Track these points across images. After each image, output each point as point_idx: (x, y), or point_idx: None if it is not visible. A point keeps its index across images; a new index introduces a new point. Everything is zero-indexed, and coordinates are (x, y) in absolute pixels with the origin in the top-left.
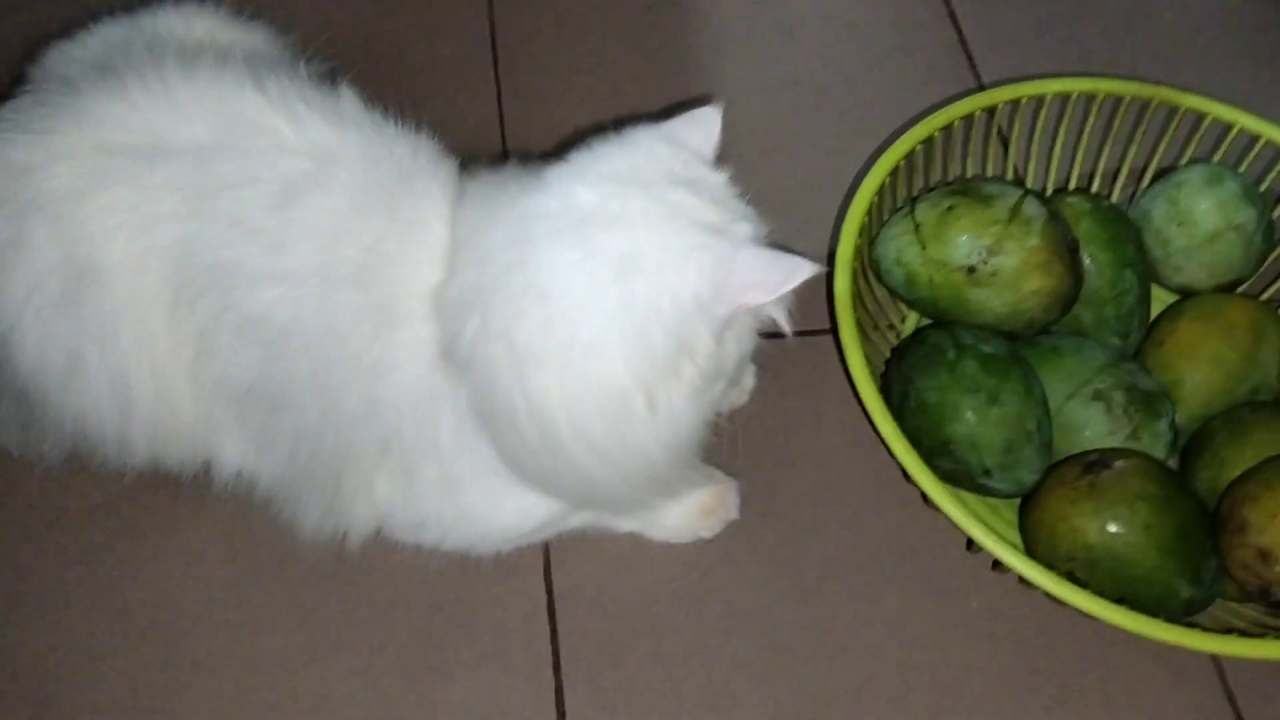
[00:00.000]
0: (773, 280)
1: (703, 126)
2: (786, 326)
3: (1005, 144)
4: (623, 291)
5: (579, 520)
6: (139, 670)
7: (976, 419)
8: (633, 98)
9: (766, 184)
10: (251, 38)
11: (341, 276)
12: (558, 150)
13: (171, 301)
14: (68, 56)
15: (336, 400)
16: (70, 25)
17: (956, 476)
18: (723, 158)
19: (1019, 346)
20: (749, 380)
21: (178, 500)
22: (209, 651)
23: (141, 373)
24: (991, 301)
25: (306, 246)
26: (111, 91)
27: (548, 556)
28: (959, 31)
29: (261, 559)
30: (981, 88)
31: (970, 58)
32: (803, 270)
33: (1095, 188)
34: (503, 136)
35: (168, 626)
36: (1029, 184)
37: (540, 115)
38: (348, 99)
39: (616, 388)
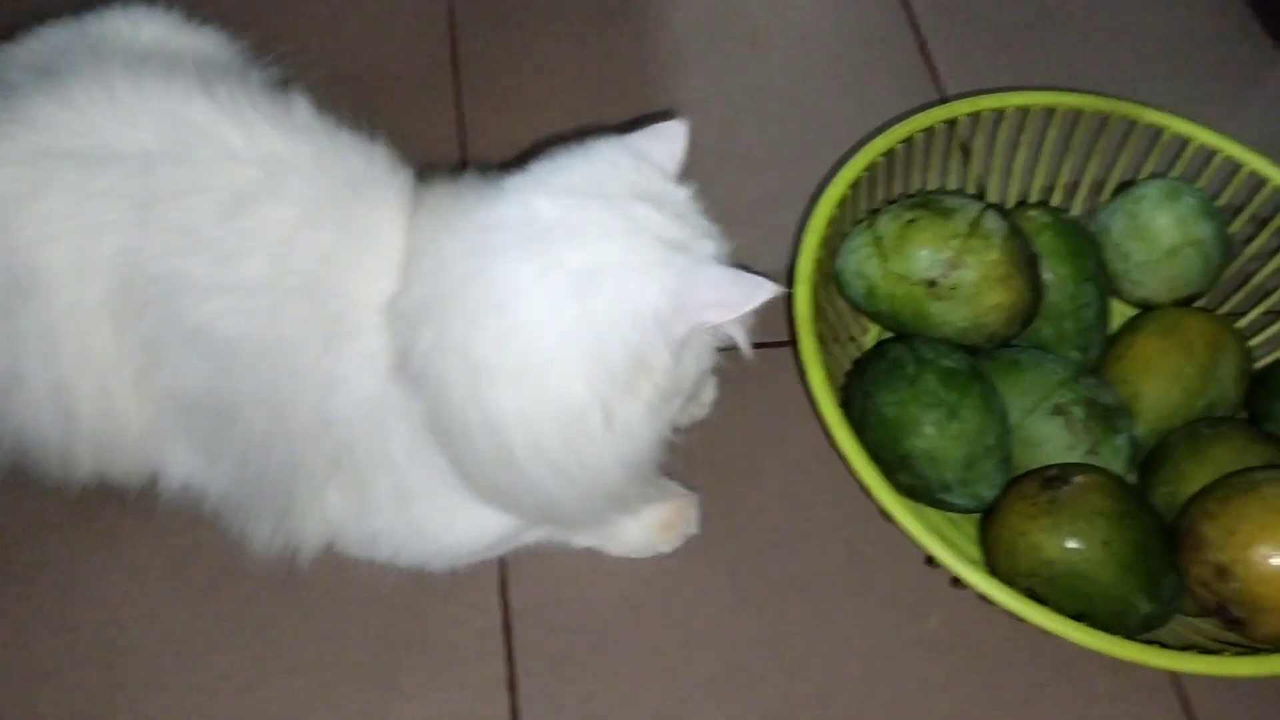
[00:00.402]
0: (733, 299)
1: (667, 140)
2: (745, 345)
3: (966, 156)
4: (581, 306)
5: (535, 536)
6: (82, 690)
7: (936, 433)
8: (595, 107)
9: (728, 195)
10: (202, 43)
11: (292, 287)
12: (518, 160)
13: (116, 312)
14: (8, 59)
15: (286, 413)
16: (13, 28)
17: (916, 491)
18: (685, 167)
19: (979, 361)
20: (709, 393)
21: (123, 515)
22: (154, 670)
23: (84, 385)
24: (952, 315)
25: (256, 257)
26: (54, 95)
27: (504, 573)
28: (922, 44)
29: (209, 575)
30: (943, 98)
31: (933, 70)
32: (763, 290)
33: (1055, 201)
34: (462, 145)
35: (112, 645)
36: (990, 197)
37: (501, 124)
38: (300, 106)
39: (574, 403)
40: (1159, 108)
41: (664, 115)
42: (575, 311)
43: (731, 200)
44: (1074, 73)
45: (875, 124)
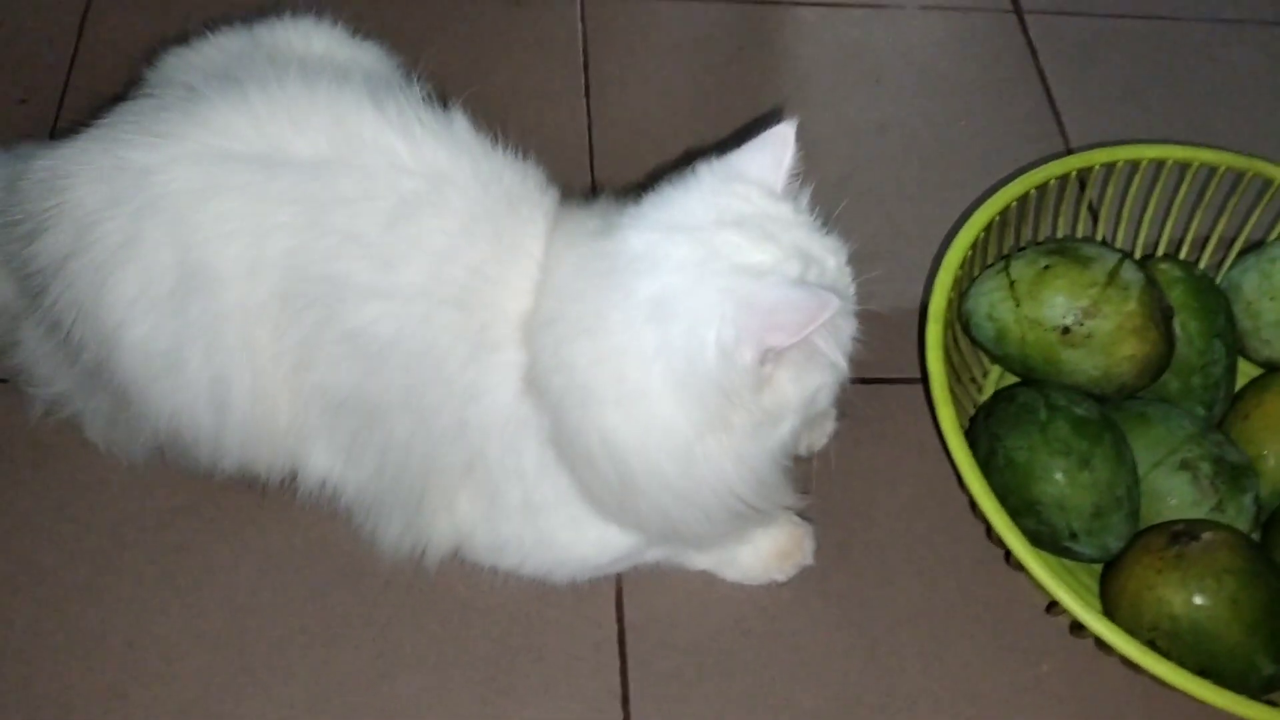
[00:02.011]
0: (793, 321)
1: (772, 150)
2: (840, 362)
3: (1094, 206)
4: (657, 336)
5: (654, 555)
6: (211, 673)
7: (1066, 481)
8: (720, 134)
9: (849, 231)
10: (365, 56)
11: (446, 296)
12: (643, 184)
13: (278, 310)
14: (187, 63)
15: (428, 418)
16: (186, 32)
17: (1040, 537)
18: (810, 203)
19: (1109, 410)
20: (829, 424)
21: (260, 506)
22: (282, 659)
23: (242, 377)
24: (1084, 363)
25: (415, 265)
26: (233, 100)
27: (620, 588)
28: (1047, 89)
29: (339, 570)
30: (1067, 145)
31: (1058, 115)
32: (826, 308)
33: (1184, 254)
34: (591, 166)
35: (243, 630)
36: (1118, 245)
37: (628, 148)
38: (459, 122)
39: (677, 432)
40: None
41: (773, 119)
42: (654, 341)
43: (853, 237)
44: (1197, 126)
45: (998, 165)
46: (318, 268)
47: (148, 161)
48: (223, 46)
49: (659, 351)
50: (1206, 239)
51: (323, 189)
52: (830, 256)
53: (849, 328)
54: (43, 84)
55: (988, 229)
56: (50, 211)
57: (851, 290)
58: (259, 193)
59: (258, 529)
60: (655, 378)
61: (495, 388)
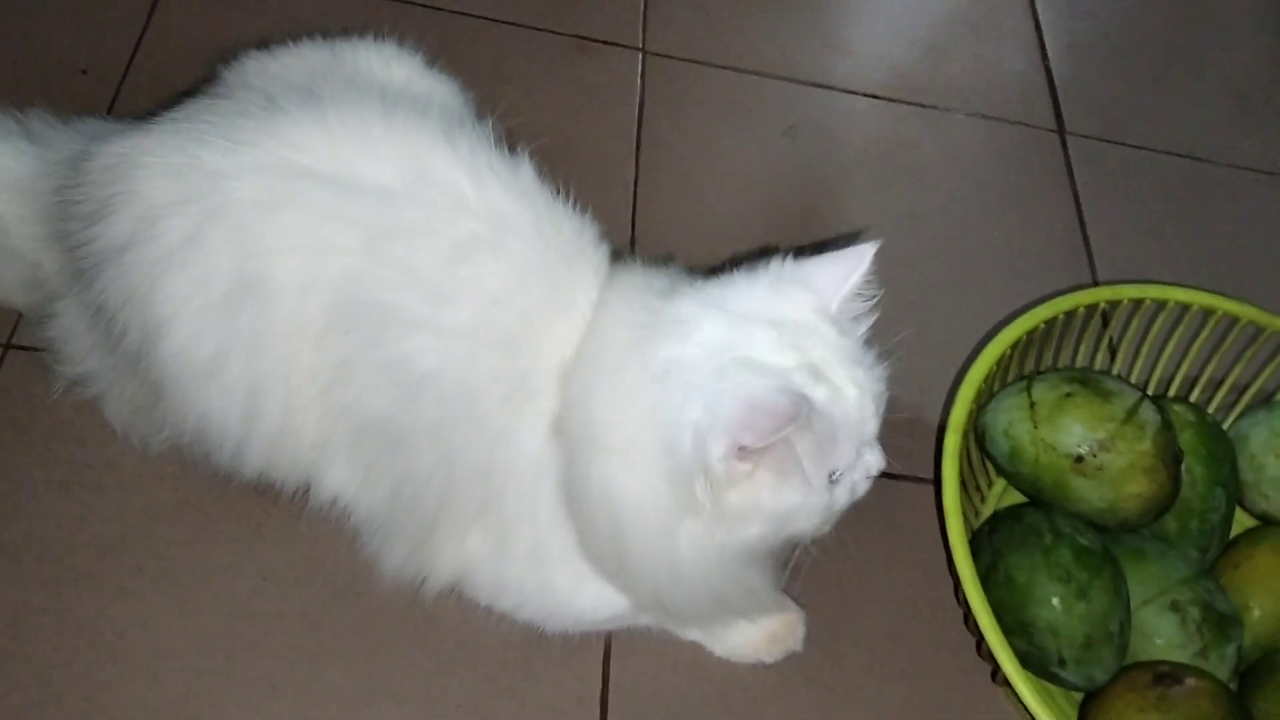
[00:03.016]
0: (764, 423)
1: (843, 266)
2: (814, 483)
3: (1115, 338)
4: (656, 399)
5: (647, 619)
6: (197, 674)
7: (1063, 608)
8: (760, 211)
9: (876, 320)
10: (442, 89)
11: (491, 339)
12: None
13: (323, 328)
14: (266, 70)
15: (454, 453)
16: (258, 32)
17: (1028, 659)
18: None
19: (1108, 542)
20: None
21: (267, 515)
22: (272, 671)
23: (277, 389)
24: (1092, 494)
25: (466, 305)
26: (312, 117)
27: (609, 646)
28: (1079, 210)
29: (337, 589)
30: (1093, 268)
31: (1086, 237)
32: (796, 417)
33: (1196, 395)
34: (633, 222)
35: (237, 637)
36: (1133, 379)
37: (672, 208)
38: (526, 170)
39: (663, 502)
40: None
41: (855, 237)
42: (653, 403)
43: (878, 331)
44: (1216, 270)
45: (1023, 279)
46: (372, 294)
47: (222, 166)
48: (303, 59)
49: (653, 414)
50: (1220, 383)
51: (388, 218)
52: (851, 387)
53: (845, 455)
54: (106, 58)
55: (1013, 347)
56: (116, 197)
57: (869, 427)
58: (325, 212)
59: (261, 537)
60: (648, 438)
61: (525, 433)
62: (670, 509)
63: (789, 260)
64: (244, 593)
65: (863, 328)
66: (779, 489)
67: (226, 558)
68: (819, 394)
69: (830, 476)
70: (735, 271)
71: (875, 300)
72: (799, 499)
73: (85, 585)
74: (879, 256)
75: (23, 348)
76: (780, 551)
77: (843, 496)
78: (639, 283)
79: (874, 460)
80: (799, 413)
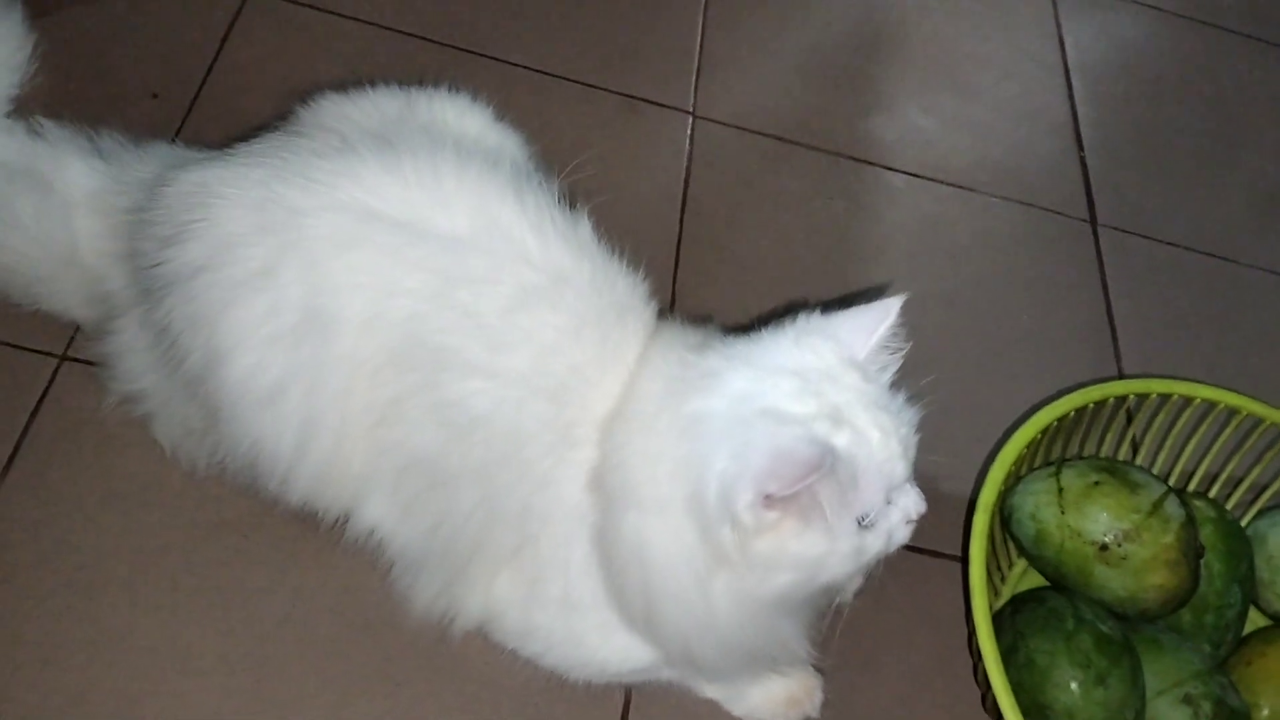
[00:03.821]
0: (788, 472)
1: (870, 319)
2: (841, 531)
3: (1137, 433)
4: (685, 451)
5: (669, 675)
6: (225, 695)
7: (1081, 693)
8: (796, 278)
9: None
10: (510, 144)
11: (542, 388)
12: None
13: (380, 366)
14: (342, 113)
15: (496, 495)
16: (337, 74)
17: None
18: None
19: (1127, 630)
20: (854, 581)
21: (304, 541)
22: (300, 695)
23: (332, 421)
24: (1113, 582)
25: (522, 353)
26: (387, 162)
27: (629, 699)
28: (1108, 300)
29: (367, 620)
30: (1118, 358)
31: (1113, 328)
32: (821, 466)
33: (1215, 490)
34: (674, 281)
35: (263, 661)
36: (1154, 472)
37: (713, 271)
38: (584, 227)
39: (695, 556)
40: None
41: (879, 292)
42: (678, 455)
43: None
44: (1238, 369)
45: (1050, 364)
46: (433, 336)
47: (300, 203)
48: (378, 104)
49: (682, 466)
50: (1239, 482)
51: (454, 265)
52: (875, 430)
53: (871, 500)
54: (176, 84)
55: (1043, 431)
56: (194, 224)
57: (897, 470)
58: (395, 255)
59: (297, 562)
60: (678, 492)
61: (566, 481)
62: (702, 562)
63: (815, 314)
64: (276, 616)
65: (889, 374)
66: (804, 535)
67: (261, 581)
68: (840, 439)
69: (860, 521)
70: (764, 328)
71: (902, 352)
72: (826, 545)
73: (122, 596)
74: (908, 326)
75: (78, 360)
76: (816, 602)
77: (876, 543)
78: (675, 339)
79: (912, 504)
80: (824, 461)
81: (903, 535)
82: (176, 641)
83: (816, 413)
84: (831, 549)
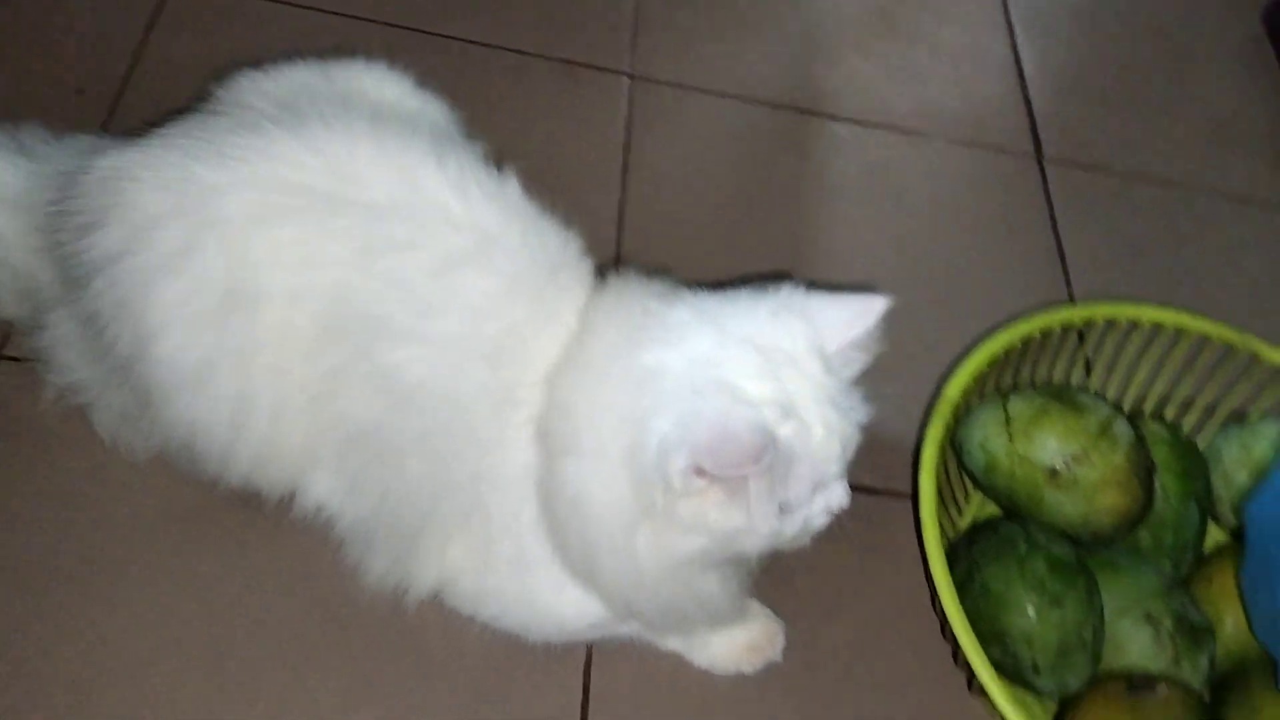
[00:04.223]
0: (728, 455)
1: (851, 313)
2: (761, 518)
3: (1090, 355)
4: (633, 403)
5: (629, 630)
6: (180, 682)
7: (1037, 617)
8: (745, 233)
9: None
10: (431, 110)
11: (478, 351)
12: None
13: (312, 339)
14: (259, 88)
15: (442, 463)
16: (252, 53)
17: (1004, 667)
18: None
19: (1083, 555)
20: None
21: (252, 524)
22: (255, 677)
23: (265, 398)
24: (1066, 506)
25: (453, 317)
26: (303, 135)
27: (590, 656)
28: (1057, 235)
29: (320, 597)
30: (1070, 291)
31: (1064, 261)
32: (760, 459)
33: (1169, 413)
34: (618, 241)
35: (217, 644)
36: (1108, 397)
37: (657, 228)
38: (512, 187)
39: (625, 507)
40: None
41: (868, 287)
42: (625, 406)
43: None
44: (1190, 292)
45: (1002, 300)
46: (360, 305)
47: (215, 180)
48: (295, 78)
49: (627, 417)
50: (1191, 402)
51: (377, 232)
52: (820, 427)
53: (798, 491)
54: (101, 78)
55: (990, 363)
56: (111, 208)
57: (830, 468)
58: (315, 226)
59: (246, 545)
60: (619, 442)
61: (511, 444)
62: (630, 513)
63: (798, 291)
64: (228, 601)
65: (852, 371)
66: (725, 509)
67: (211, 566)
68: (785, 430)
69: (782, 507)
70: (743, 289)
71: (875, 355)
72: (743, 522)
73: (72, 592)
74: (866, 274)
75: (12, 358)
76: (740, 566)
77: (792, 528)
78: (637, 287)
79: (836, 498)
80: (763, 452)
81: (820, 523)
82: (130, 633)
83: (770, 398)
84: (748, 527)
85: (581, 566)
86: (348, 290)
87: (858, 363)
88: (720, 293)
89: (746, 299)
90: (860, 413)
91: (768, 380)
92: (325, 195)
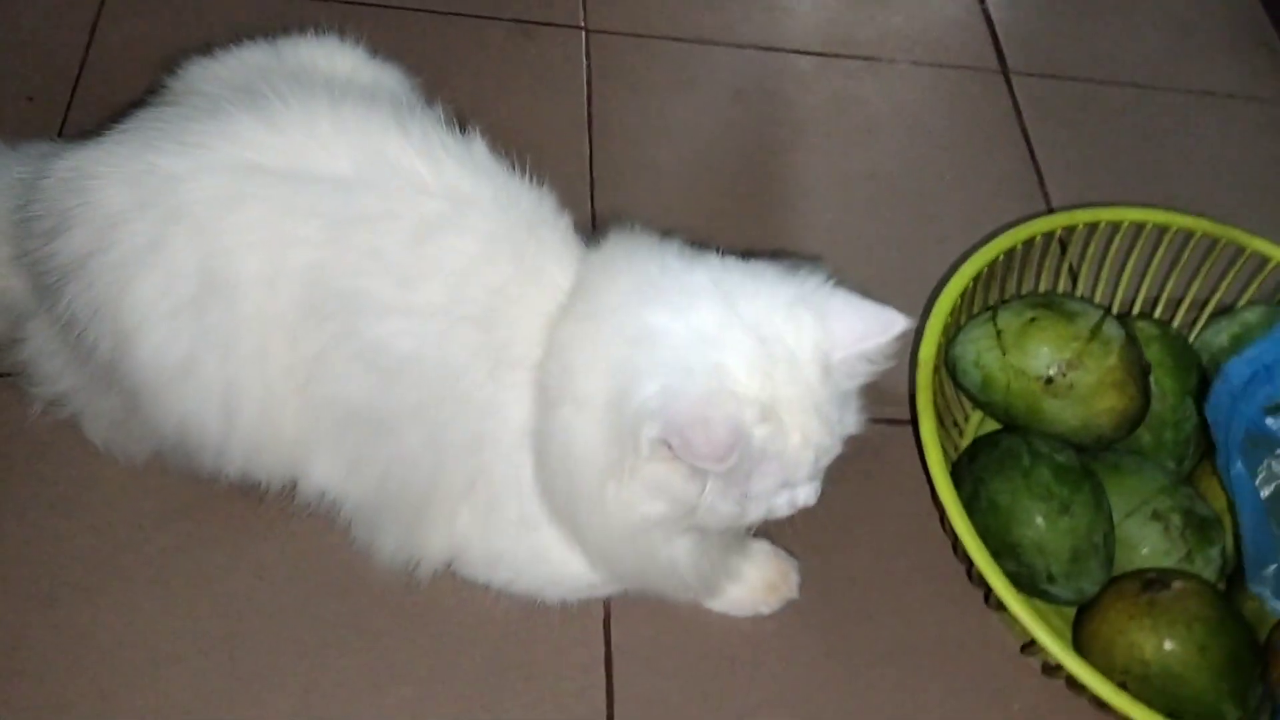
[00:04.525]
0: (697, 445)
1: (869, 324)
2: (710, 493)
3: (1075, 263)
4: (624, 358)
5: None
6: (201, 678)
7: (1046, 525)
8: (717, 178)
9: (841, 273)
10: (387, 78)
11: (465, 315)
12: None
13: (295, 321)
14: (210, 74)
15: (440, 432)
16: (199, 42)
17: (1018, 579)
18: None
19: (1086, 460)
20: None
21: (256, 514)
22: (273, 667)
23: (253, 385)
24: (1065, 414)
25: (435, 283)
26: (260, 115)
27: (608, 612)
28: (1030, 147)
29: (332, 581)
30: (1048, 202)
31: (1039, 173)
32: (723, 462)
33: (1158, 313)
34: (591, 197)
35: (233, 638)
36: (1096, 300)
37: (629, 180)
38: (478, 147)
39: (600, 458)
40: (1264, 236)
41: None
42: (620, 360)
43: (841, 279)
44: (1167, 191)
45: (981, 219)
46: (339, 282)
47: (176, 169)
48: (246, 60)
49: (616, 372)
50: (1180, 300)
51: (346, 206)
52: (797, 434)
53: (762, 487)
54: (51, 84)
55: (975, 279)
56: (74, 210)
57: (799, 472)
58: (284, 206)
59: (252, 536)
60: (604, 393)
61: (510, 404)
62: (605, 461)
63: (824, 285)
64: (240, 593)
65: (855, 384)
66: (689, 482)
67: (219, 560)
68: (759, 431)
69: (745, 497)
70: (772, 264)
71: (881, 371)
72: (703, 498)
73: (81, 599)
74: (842, 208)
75: None
76: (712, 540)
77: (754, 513)
78: (651, 244)
79: (802, 496)
80: (729, 452)
81: (783, 512)
82: (144, 633)
83: (755, 395)
84: (709, 505)
85: (565, 518)
86: (324, 268)
87: (862, 376)
88: (745, 264)
89: (769, 280)
90: (849, 426)
91: (759, 375)
92: (289, 174)
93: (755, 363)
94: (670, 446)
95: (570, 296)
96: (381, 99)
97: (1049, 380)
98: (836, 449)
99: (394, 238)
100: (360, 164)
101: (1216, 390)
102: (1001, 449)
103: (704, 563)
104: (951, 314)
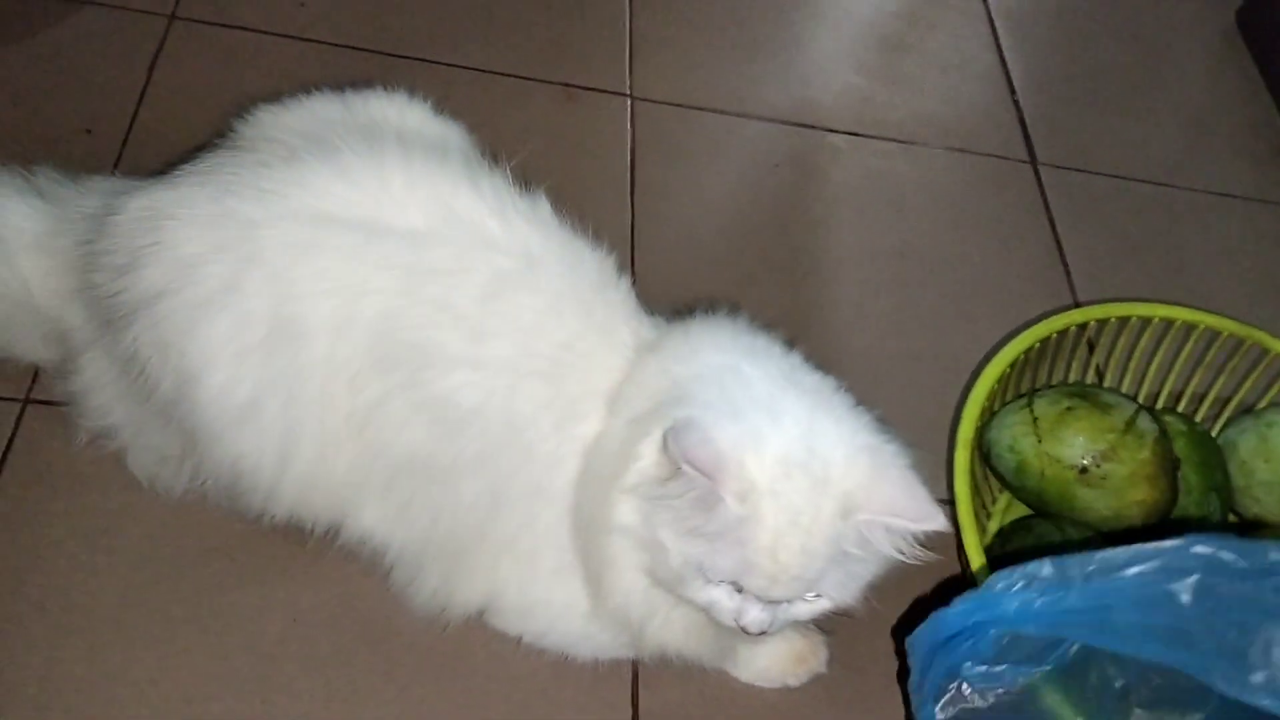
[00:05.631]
0: (686, 442)
1: (908, 507)
2: (663, 529)
3: (1101, 359)
4: (681, 374)
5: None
6: (235, 718)
7: None
8: (753, 248)
9: (870, 348)
10: (453, 135)
11: (533, 370)
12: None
13: (359, 369)
14: (280, 122)
15: (499, 483)
16: (261, 88)
17: None
18: (822, 320)
19: None
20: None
21: (292, 557)
22: (305, 712)
23: (312, 430)
24: (1097, 503)
25: (505, 339)
26: (334, 165)
27: (636, 674)
28: (1056, 237)
29: (365, 628)
30: (1073, 290)
31: (1065, 262)
32: (708, 476)
33: (1182, 407)
34: (632, 261)
35: (266, 680)
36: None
37: (670, 246)
38: (544, 207)
39: (614, 455)
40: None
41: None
42: (676, 375)
43: (867, 357)
44: (1186, 288)
45: (1006, 303)
46: (408, 333)
47: (253, 215)
48: (315, 110)
49: (667, 394)
50: (1204, 396)
51: (418, 259)
52: (769, 536)
53: (717, 567)
54: (109, 118)
55: (1012, 365)
56: (148, 249)
57: (753, 582)
58: (357, 256)
59: (289, 579)
60: (646, 407)
61: (570, 456)
62: (613, 469)
63: (899, 454)
64: (275, 635)
65: (865, 551)
66: (660, 488)
67: (255, 601)
68: (737, 508)
69: (699, 566)
70: (867, 412)
71: (891, 564)
72: (663, 522)
73: (114, 634)
74: (871, 285)
75: (42, 402)
76: (700, 630)
77: (695, 587)
78: (752, 337)
79: (750, 615)
80: (701, 470)
81: (725, 617)
82: (177, 671)
83: (762, 473)
84: (666, 537)
85: (579, 547)
86: (394, 318)
87: (876, 549)
88: (845, 396)
89: (856, 419)
90: (831, 588)
91: (783, 467)
92: (362, 225)
93: (789, 457)
94: (666, 445)
95: (652, 350)
96: (451, 155)
97: (1083, 470)
98: (801, 598)
99: (465, 292)
100: (432, 218)
101: (919, 633)
102: (1035, 533)
103: (705, 630)
104: (988, 398)
